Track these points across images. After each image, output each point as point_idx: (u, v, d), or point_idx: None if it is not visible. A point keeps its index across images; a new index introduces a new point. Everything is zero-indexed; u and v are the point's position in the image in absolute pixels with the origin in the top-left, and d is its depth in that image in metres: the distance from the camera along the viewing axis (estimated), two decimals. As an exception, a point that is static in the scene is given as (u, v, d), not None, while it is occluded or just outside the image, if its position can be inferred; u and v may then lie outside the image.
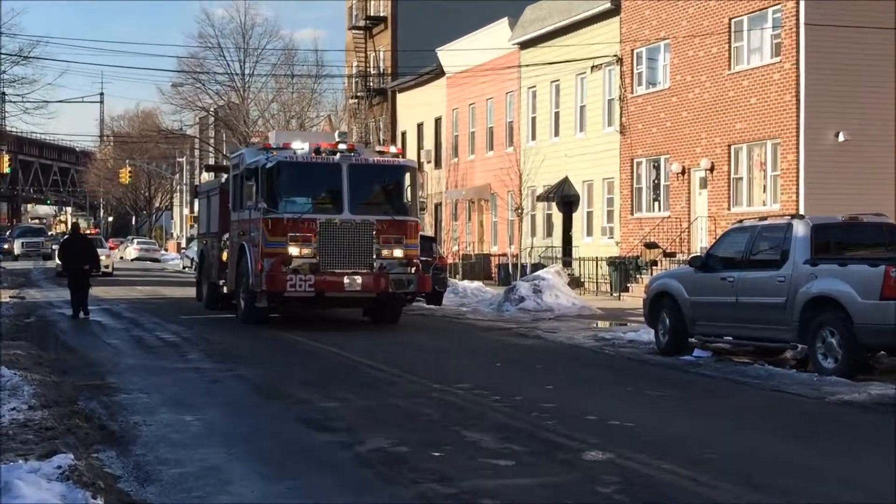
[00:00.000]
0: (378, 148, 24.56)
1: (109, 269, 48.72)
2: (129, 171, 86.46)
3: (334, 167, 21.68)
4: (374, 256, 21.52)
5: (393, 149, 24.08)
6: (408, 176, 22.66)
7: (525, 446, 9.94)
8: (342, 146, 22.04)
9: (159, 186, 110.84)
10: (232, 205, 24.47)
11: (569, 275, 34.56)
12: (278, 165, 21.51)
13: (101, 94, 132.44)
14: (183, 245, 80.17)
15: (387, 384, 14.15)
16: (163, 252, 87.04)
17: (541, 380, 14.87)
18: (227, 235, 25.07)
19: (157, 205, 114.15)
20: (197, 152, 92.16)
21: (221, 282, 25.42)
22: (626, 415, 11.80)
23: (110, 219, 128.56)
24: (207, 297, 27.35)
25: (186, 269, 60.24)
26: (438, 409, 12.08)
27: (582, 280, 37.76)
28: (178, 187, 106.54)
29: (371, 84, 61.77)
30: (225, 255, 25.23)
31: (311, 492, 8.32)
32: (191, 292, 32.56)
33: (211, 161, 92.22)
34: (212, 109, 71.53)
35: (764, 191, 30.63)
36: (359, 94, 61.80)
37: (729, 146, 31.60)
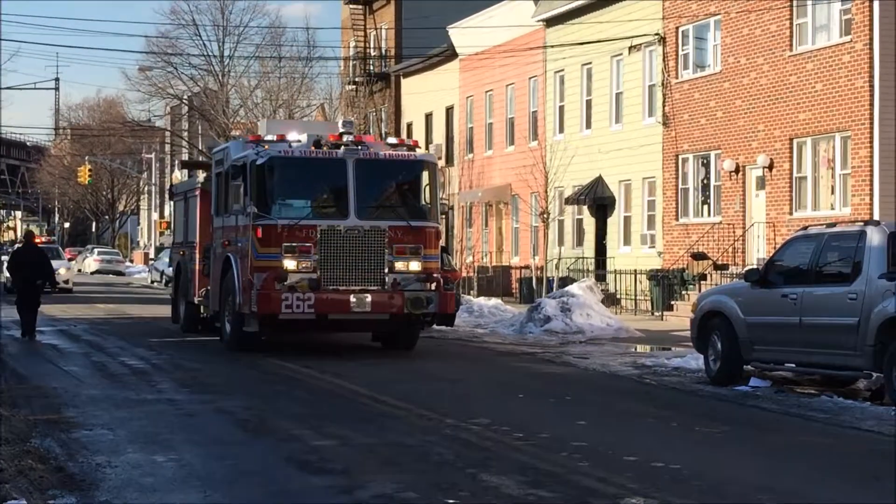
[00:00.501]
0: (391, 140, 24.01)
1: (69, 285, 48.00)
2: (89, 170, 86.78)
3: (338, 163, 21.12)
4: (387, 270, 20.91)
5: (408, 141, 23.60)
6: (426, 173, 22.09)
7: (554, 492, 9.94)
8: (347, 137, 21.51)
9: (124, 187, 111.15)
10: (215, 209, 23.88)
11: (603, 291, 34.55)
12: (271, 161, 20.96)
13: (57, 79, 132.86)
14: (151, 256, 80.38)
15: (392, 419, 14.16)
16: (128, 264, 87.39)
17: (571, 414, 14.87)
18: (209, 245, 24.35)
19: (121, 209, 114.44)
20: (168, 147, 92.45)
21: (198, 299, 25.04)
22: (671, 455, 11.79)
23: (66, 225, 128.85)
24: (185, 318, 26.79)
25: (155, 283, 60.46)
26: (452, 447, 12.09)
27: (618, 297, 37.73)
28: (147, 188, 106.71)
29: (371, 67, 61.89)
30: (198, 268, 24.88)
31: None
32: (162, 311, 32.62)
33: (185, 157, 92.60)
34: (186, 97, 71.76)
35: (832, 192, 30.60)
36: (357, 79, 61.89)
37: (790, 140, 31.58)
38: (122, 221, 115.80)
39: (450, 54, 52.01)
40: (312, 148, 21.28)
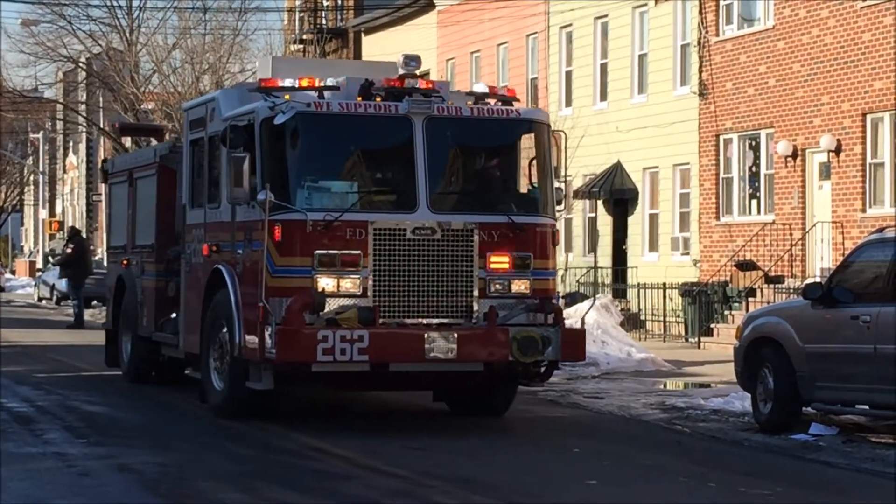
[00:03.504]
0: (477, 87, 20.04)
1: None
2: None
3: (400, 123, 17.66)
4: (477, 293, 17.58)
5: (500, 88, 20.27)
6: (536, 140, 18.71)
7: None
8: (412, 82, 18.04)
9: (3, 176, 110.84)
10: (189, 196, 20.46)
11: (622, 311, 34.59)
12: (298, 119, 17.49)
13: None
14: (39, 265, 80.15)
15: (344, 478, 14.14)
16: (8, 276, 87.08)
17: (579, 471, 14.88)
18: (176, 251, 21.42)
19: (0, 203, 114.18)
20: (60, 124, 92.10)
21: (156, 333, 22.16)
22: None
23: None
24: (133, 361, 23.64)
25: (45, 300, 60.32)
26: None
27: (642, 318, 37.75)
28: (33, 177, 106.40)
29: (324, 21, 61.89)
30: (155, 285, 22.29)
31: None
32: (52, 337, 32.55)
33: (83, 139, 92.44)
34: (83, 60, 71.57)
35: (917, 184, 30.73)
36: (305, 36, 61.88)
37: (864, 116, 31.69)
38: (2, 221, 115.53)
39: (425, 4, 52.05)
40: (359, 99, 17.91)
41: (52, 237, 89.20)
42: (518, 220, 17.82)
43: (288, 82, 18.03)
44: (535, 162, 18.56)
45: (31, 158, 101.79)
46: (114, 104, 66.26)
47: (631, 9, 40.16)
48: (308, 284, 16.98)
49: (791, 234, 33.83)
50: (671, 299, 36.84)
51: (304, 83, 17.91)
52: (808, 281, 23.51)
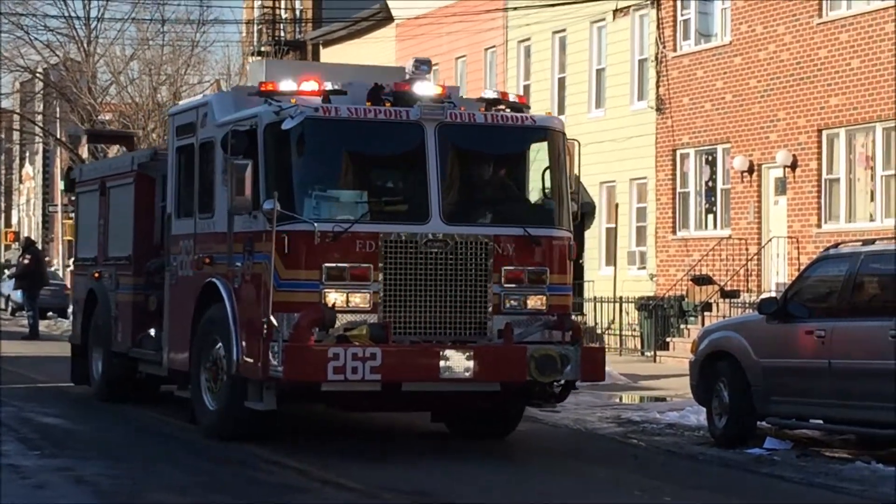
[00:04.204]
0: (487, 93, 18.73)
1: None
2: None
3: (410, 130, 16.72)
4: (492, 310, 16.63)
5: (512, 96, 18.72)
6: (551, 148, 17.81)
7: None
8: (424, 88, 17.09)
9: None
10: (176, 205, 19.39)
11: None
12: (310, 125, 16.49)
13: None
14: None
15: (298, 490, 14.12)
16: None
17: (536, 484, 14.90)
18: (157, 263, 20.58)
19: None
20: (17, 135, 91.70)
21: (133, 349, 21.13)
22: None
23: None
24: (105, 378, 22.40)
25: (1, 312, 59.99)
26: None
27: (598, 332, 37.80)
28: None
29: (282, 34, 61.88)
30: (132, 299, 21.28)
31: None
32: (7, 348, 32.31)
33: (39, 150, 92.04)
34: (40, 70, 71.32)
35: (871, 199, 30.86)
36: (263, 48, 61.86)
37: (819, 132, 31.84)
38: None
39: (383, 18, 52.06)
40: (368, 104, 16.96)
41: (7, 248, 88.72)
42: (534, 233, 16.87)
43: (290, 85, 16.96)
44: (549, 171, 17.65)
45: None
46: (71, 115, 65.99)
47: (589, 23, 40.25)
48: (315, 299, 15.96)
49: (747, 249, 33.94)
50: (627, 313, 36.92)
51: (308, 86, 16.93)
52: (764, 296, 23.59)
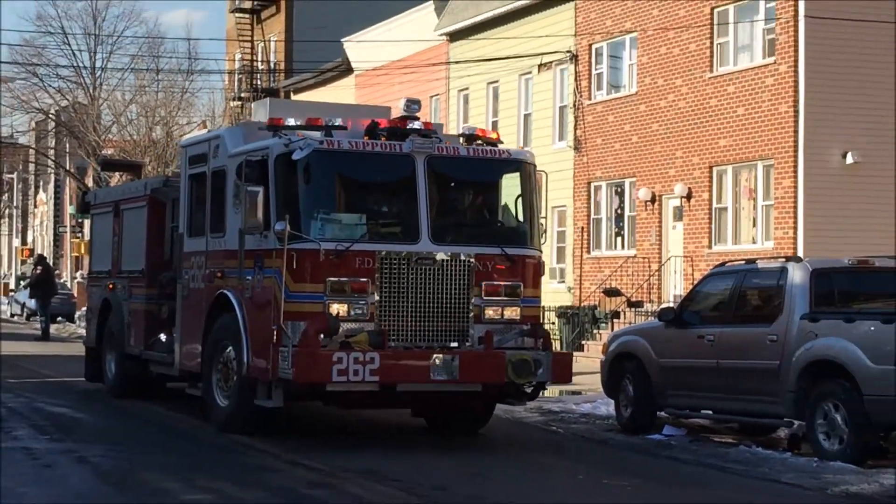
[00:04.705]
0: (464, 129, 18.46)
1: None
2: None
3: (403, 161, 16.25)
4: (473, 319, 16.18)
5: (490, 132, 18.45)
6: (523, 178, 17.28)
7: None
8: (414, 124, 16.78)
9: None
10: (187, 225, 18.81)
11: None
12: (316, 156, 15.94)
13: None
14: (12, 287, 79.15)
15: (271, 471, 14.06)
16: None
17: (470, 466, 14.88)
18: (168, 276, 20.11)
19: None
20: (32, 166, 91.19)
21: (146, 352, 20.58)
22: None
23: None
24: (118, 377, 21.81)
25: (16, 316, 59.64)
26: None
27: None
28: (7, 210, 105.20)
29: (259, 82, 61.71)
30: (143, 307, 20.75)
31: None
32: (22, 348, 32.08)
33: (51, 179, 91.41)
34: (52, 112, 70.85)
35: (753, 225, 31.00)
36: (243, 94, 61.66)
37: (710, 168, 31.97)
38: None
39: (345, 69, 52.02)
40: (366, 138, 16.60)
41: (23, 262, 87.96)
42: (510, 252, 16.48)
43: (291, 120, 16.64)
44: (521, 198, 17.21)
45: (6, 195, 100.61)
46: (78, 150, 65.80)
47: (518, 75, 40.30)
48: (320, 309, 15.49)
49: (649, 266, 34.04)
50: (549, 320, 36.93)
51: (309, 121, 16.58)
52: (663, 306, 23.67)
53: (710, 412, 18.01)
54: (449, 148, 16.68)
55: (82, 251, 68.71)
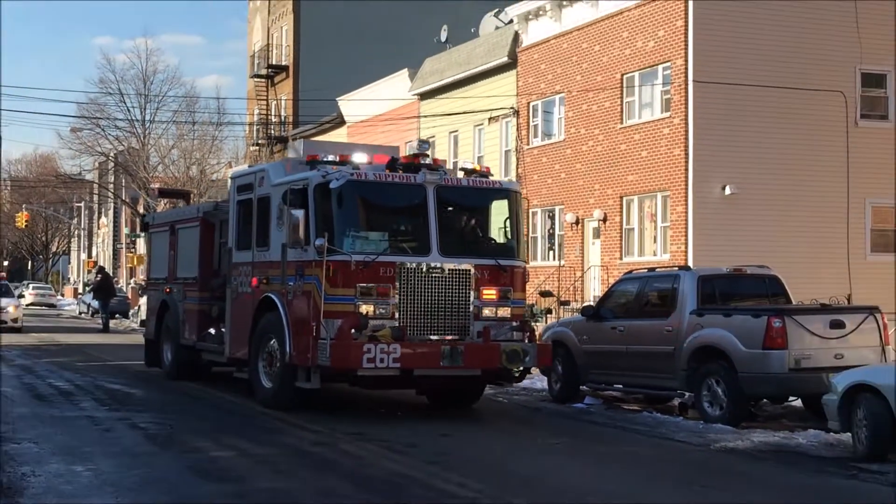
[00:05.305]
0: (464, 164, 17.90)
1: (18, 324, 38.57)
2: (26, 216, 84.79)
3: (417, 189, 16.00)
4: (472, 317, 15.89)
5: (482, 167, 18.33)
6: (511, 203, 17.00)
7: (414, 496, 9.91)
8: (424, 160, 16.59)
9: (56, 231, 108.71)
10: (236, 241, 18.37)
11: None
12: (348, 185, 15.68)
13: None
14: (80, 290, 78.65)
15: (281, 433, 14.01)
16: (59, 297, 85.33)
17: (437, 427, 14.83)
18: (216, 282, 19.92)
19: (53, 250, 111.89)
20: (96, 197, 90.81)
21: (199, 342, 20.21)
22: (518, 464, 11.83)
23: (6, 263, 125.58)
24: (175, 363, 21.38)
25: (83, 314, 59.21)
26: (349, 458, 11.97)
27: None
28: (76, 232, 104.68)
29: (272, 132, 61.60)
30: (197, 307, 20.37)
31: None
32: (88, 339, 31.92)
33: (111, 207, 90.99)
34: (111, 154, 70.51)
35: (654, 241, 31.09)
36: (260, 141, 61.55)
37: (621, 197, 32.06)
38: (55, 261, 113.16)
39: (339, 121, 51.95)
40: (388, 171, 16.33)
41: (89, 272, 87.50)
42: (503, 263, 16.21)
43: (330, 157, 16.50)
44: (509, 220, 16.99)
45: (75, 220, 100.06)
46: (131, 184, 65.54)
47: (473, 126, 40.32)
48: (352, 309, 15.13)
49: (575, 274, 34.10)
50: (497, 315, 36.91)
51: (341, 158, 16.47)
52: (585, 304, 23.71)
53: (621, 386, 18.08)
54: (453, 179, 16.51)
55: (135, 263, 68.43)
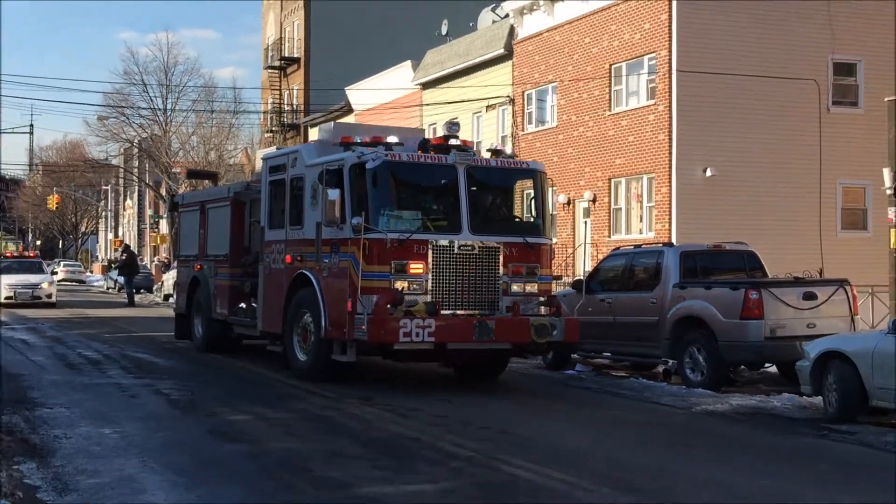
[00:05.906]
0: (489, 146, 17.36)
1: (52, 299, 38.28)
2: (57, 199, 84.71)
3: (448, 170, 15.27)
4: (501, 293, 15.16)
5: (507, 149, 17.53)
6: (537, 183, 16.18)
7: (428, 457, 9.94)
8: (454, 141, 15.83)
9: (85, 212, 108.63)
10: (268, 220, 17.63)
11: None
12: (383, 166, 14.95)
13: (31, 125, 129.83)
14: (107, 267, 78.73)
15: (295, 398, 14.03)
16: (88, 274, 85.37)
17: (438, 395, 14.88)
18: (248, 259, 19.38)
19: (82, 230, 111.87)
20: (121, 181, 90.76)
21: (230, 317, 19.61)
22: (516, 426, 11.87)
23: (38, 242, 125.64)
24: (206, 336, 20.75)
25: (110, 290, 59.29)
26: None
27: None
28: (104, 213, 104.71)
29: (285, 119, 61.51)
30: (228, 283, 19.79)
31: (222, 499, 8.23)
32: (115, 313, 31.95)
33: (136, 190, 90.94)
34: (136, 141, 70.37)
35: (640, 220, 31.07)
36: (273, 128, 61.48)
37: (609, 180, 32.03)
38: (84, 240, 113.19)
39: (347, 110, 51.86)
40: (419, 152, 15.72)
41: (115, 250, 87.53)
42: (530, 240, 15.44)
43: (361, 138, 15.77)
44: (536, 199, 16.14)
45: (102, 202, 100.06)
46: (155, 168, 65.48)
47: (472, 114, 40.24)
48: (387, 285, 14.43)
49: (567, 250, 34.05)
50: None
51: (374, 139, 15.73)
52: (576, 278, 23.69)
53: (609, 354, 18.10)
54: (482, 160, 15.79)
55: (158, 242, 68.38)
